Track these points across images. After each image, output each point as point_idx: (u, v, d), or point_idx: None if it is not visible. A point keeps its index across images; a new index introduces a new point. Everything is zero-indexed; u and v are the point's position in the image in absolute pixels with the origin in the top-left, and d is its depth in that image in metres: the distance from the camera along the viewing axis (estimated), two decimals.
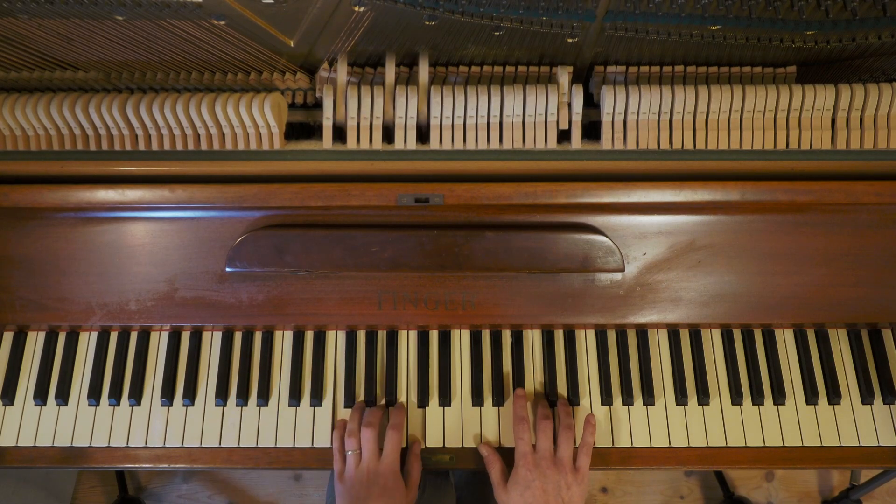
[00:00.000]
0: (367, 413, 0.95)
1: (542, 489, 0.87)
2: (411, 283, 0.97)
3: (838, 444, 0.96)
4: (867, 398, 0.98)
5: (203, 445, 0.97)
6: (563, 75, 0.93)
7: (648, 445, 0.96)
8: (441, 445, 0.96)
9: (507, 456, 0.94)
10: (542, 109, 0.93)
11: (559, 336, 1.01)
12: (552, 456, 0.90)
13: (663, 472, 1.72)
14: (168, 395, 0.98)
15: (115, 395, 0.98)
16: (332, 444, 0.95)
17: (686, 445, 0.96)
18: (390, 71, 0.93)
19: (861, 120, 0.93)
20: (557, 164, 0.94)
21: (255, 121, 0.93)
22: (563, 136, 0.96)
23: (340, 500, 0.90)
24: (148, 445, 0.97)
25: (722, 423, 0.97)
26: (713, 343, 1.01)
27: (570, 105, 0.94)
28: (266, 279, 0.97)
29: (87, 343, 1.01)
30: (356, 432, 0.92)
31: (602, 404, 0.98)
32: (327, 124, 0.94)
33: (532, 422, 0.95)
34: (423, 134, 0.96)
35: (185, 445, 0.97)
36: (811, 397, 0.98)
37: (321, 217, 0.95)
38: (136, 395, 0.98)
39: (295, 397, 0.98)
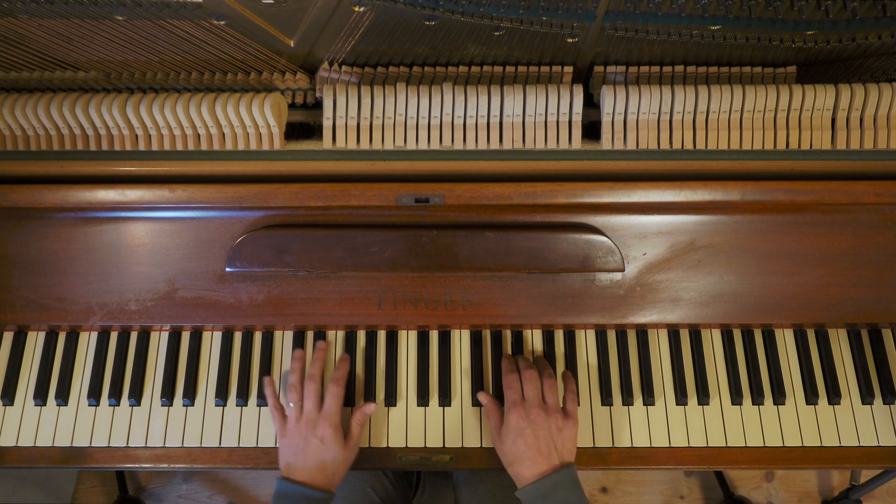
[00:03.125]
0: (308, 367, 0.95)
1: (533, 435, 0.87)
2: (411, 283, 0.97)
3: (838, 444, 0.96)
4: (867, 398, 0.98)
5: (203, 445, 0.97)
6: (565, 76, 0.93)
7: (648, 445, 0.96)
8: (441, 445, 0.96)
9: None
10: (542, 109, 0.93)
11: (559, 336, 1.01)
12: (541, 403, 0.90)
13: (663, 472, 1.72)
14: (168, 395, 0.98)
15: (115, 395, 0.98)
16: (268, 401, 0.95)
17: (686, 445, 0.96)
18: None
19: (861, 120, 0.93)
20: (557, 164, 0.94)
21: (255, 121, 0.93)
22: (564, 136, 0.95)
23: (282, 458, 0.90)
24: (148, 445, 0.97)
25: (722, 423, 0.97)
26: (713, 343, 1.01)
27: (570, 105, 0.93)
28: (266, 279, 0.97)
29: (87, 343, 1.01)
30: (297, 386, 0.93)
31: (602, 404, 0.98)
32: (327, 124, 0.94)
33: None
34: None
35: (185, 445, 0.97)
36: (811, 397, 0.98)
37: (321, 217, 0.95)
38: (136, 395, 0.98)
39: None
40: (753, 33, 0.88)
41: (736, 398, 0.98)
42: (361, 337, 1.01)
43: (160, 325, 1.00)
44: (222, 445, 0.96)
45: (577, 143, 0.95)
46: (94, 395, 0.98)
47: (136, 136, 0.95)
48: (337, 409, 0.92)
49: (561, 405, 0.93)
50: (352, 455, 0.92)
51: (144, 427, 0.97)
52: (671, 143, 0.94)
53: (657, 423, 0.97)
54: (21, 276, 0.97)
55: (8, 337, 1.02)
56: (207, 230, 0.96)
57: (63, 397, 0.98)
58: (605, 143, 0.94)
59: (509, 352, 1.00)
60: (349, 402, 0.98)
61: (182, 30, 0.85)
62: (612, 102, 0.92)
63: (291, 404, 0.92)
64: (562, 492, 0.84)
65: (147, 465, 0.97)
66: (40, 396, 0.98)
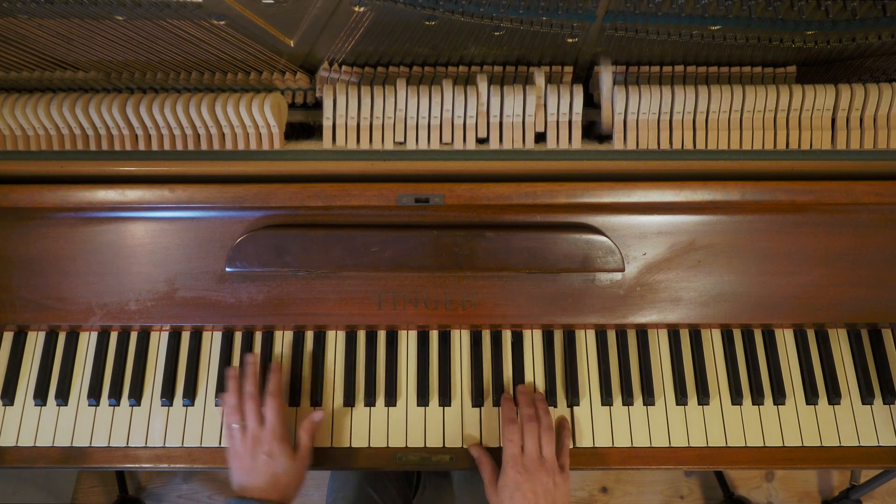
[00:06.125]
0: (244, 384, 0.94)
1: (532, 491, 0.87)
2: (411, 283, 0.97)
3: (838, 444, 0.96)
4: (867, 398, 0.98)
5: (203, 445, 0.97)
6: (565, 76, 0.93)
7: (648, 445, 0.96)
8: (441, 445, 0.96)
9: (497, 454, 0.94)
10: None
11: (559, 336, 1.01)
12: (539, 457, 0.90)
13: (663, 472, 1.72)
14: (168, 395, 0.98)
15: (115, 395, 0.98)
16: (224, 419, 0.94)
17: (686, 445, 0.96)
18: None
19: (861, 120, 0.93)
20: (557, 164, 0.94)
21: (255, 121, 0.92)
22: (563, 136, 0.95)
23: (233, 480, 0.89)
24: (148, 445, 0.97)
25: (722, 423, 0.97)
26: (713, 343, 1.01)
27: (570, 105, 0.93)
28: (266, 279, 0.97)
29: (87, 343, 1.01)
30: (237, 406, 0.92)
31: (602, 404, 0.98)
32: (327, 124, 0.94)
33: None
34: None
35: (185, 445, 0.97)
36: (811, 397, 0.98)
37: (321, 217, 0.95)
38: (136, 395, 0.98)
39: (295, 397, 0.98)
40: (753, 33, 0.88)
41: (736, 398, 0.98)
42: (361, 337, 1.01)
43: (160, 325, 1.00)
44: (222, 445, 0.96)
45: (577, 143, 0.95)
46: (94, 395, 0.98)
47: (136, 136, 0.95)
48: (279, 421, 0.90)
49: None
50: (303, 465, 0.91)
51: (144, 427, 0.97)
52: (671, 143, 0.94)
53: (657, 423, 0.97)
54: (21, 276, 0.97)
55: (8, 337, 1.02)
56: (207, 230, 0.96)
57: (63, 397, 0.98)
58: (605, 143, 0.94)
59: (509, 352, 1.00)
60: (349, 402, 0.98)
61: (182, 30, 0.85)
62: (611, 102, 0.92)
63: (235, 426, 0.90)
64: None
65: (147, 465, 0.97)
66: (40, 396, 0.98)
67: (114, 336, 1.01)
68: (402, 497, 1.14)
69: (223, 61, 0.93)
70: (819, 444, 0.96)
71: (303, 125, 1.00)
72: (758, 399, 0.98)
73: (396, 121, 0.93)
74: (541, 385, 0.99)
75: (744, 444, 0.96)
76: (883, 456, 0.96)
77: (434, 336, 1.02)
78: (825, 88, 0.92)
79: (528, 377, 0.99)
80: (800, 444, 0.96)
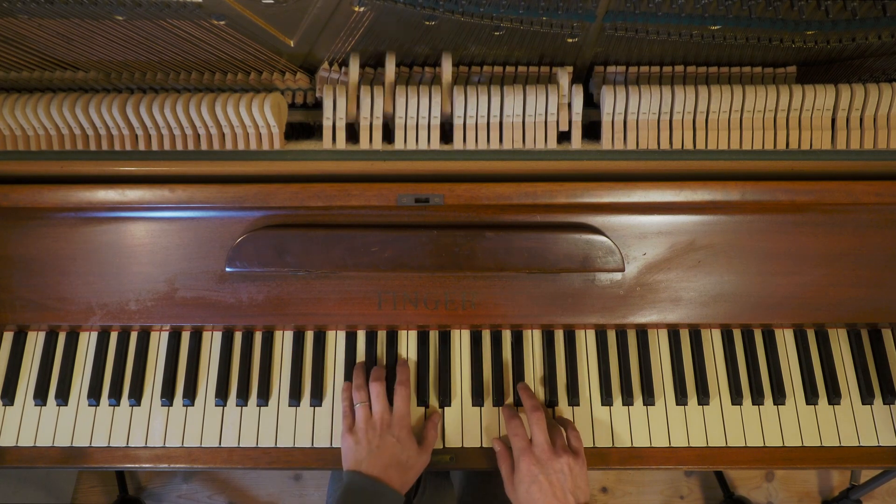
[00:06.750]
0: (373, 370, 0.96)
1: (547, 481, 0.86)
2: (411, 283, 0.97)
3: (838, 444, 0.96)
4: (867, 398, 0.98)
5: (203, 445, 0.97)
6: (564, 76, 0.93)
7: (648, 445, 0.96)
8: (441, 446, 0.96)
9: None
10: (542, 110, 0.93)
11: (559, 336, 1.01)
12: (551, 446, 0.89)
13: (663, 472, 1.72)
14: (168, 395, 0.98)
15: (115, 395, 0.98)
16: (342, 403, 0.95)
17: (686, 445, 0.96)
18: (390, 70, 0.93)
19: (861, 120, 0.93)
20: (557, 164, 0.94)
21: (255, 121, 0.93)
22: (563, 136, 0.96)
23: (351, 453, 0.89)
24: (148, 445, 0.97)
25: (722, 424, 0.97)
26: (713, 343, 1.01)
27: (570, 105, 0.94)
28: (266, 279, 0.97)
29: (87, 343, 1.01)
30: (364, 386, 0.93)
31: (602, 404, 0.98)
32: (327, 124, 0.94)
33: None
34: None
35: (185, 445, 0.97)
36: (811, 397, 0.98)
37: (321, 217, 0.95)
38: (136, 395, 0.98)
39: (295, 397, 0.98)
40: (753, 33, 0.88)
41: (736, 398, 0.98)
42: (361, 337, 1.01)
43: (160, 325, 1.00)
44: (222, 445, 0.96)
45: (577, 143, 0.95)
46: (94, 395, 0.98)
47: (136, 136, 0.95)
48: (408, 411, 0.92)
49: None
50: (425, 461, 0.92)
51: (144, 427, 0.97)
52: (671, 143, 0.94)
53: (657, 423, 0.97)
54: (21, 276, 0.97)
55: (8, 337, 1.02)
56: (207, 230, 0.96)
57: (63, 397, 0.98)
58: (605, 143, 0.94)
59: (509, 352, 1.01)
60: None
61: (182, 30, 0.85)
62: (612, 102, 0.92)
63: (359, 404, 0.92)
64: None
65: (147, 465, 0.97)
66: (40, 396, 0.98)
67: (114, 336, 1.01)
68: None
69: (223, 61, 0.93)
70: (819, 444, 0.96)
71: (303, 125, 1.00)
72: (758, 399, 0.98)
73: (396, 121, 0.93)
74: (541, 385, 0.99)
75: (744, 444, 0.96)
76: (883, 456, 0.96)
77: (434, 336, 1.02)
78: (825, 88, 0.92)
79: (528, 377, 0.99)
80: (800, 444, 0.96)
